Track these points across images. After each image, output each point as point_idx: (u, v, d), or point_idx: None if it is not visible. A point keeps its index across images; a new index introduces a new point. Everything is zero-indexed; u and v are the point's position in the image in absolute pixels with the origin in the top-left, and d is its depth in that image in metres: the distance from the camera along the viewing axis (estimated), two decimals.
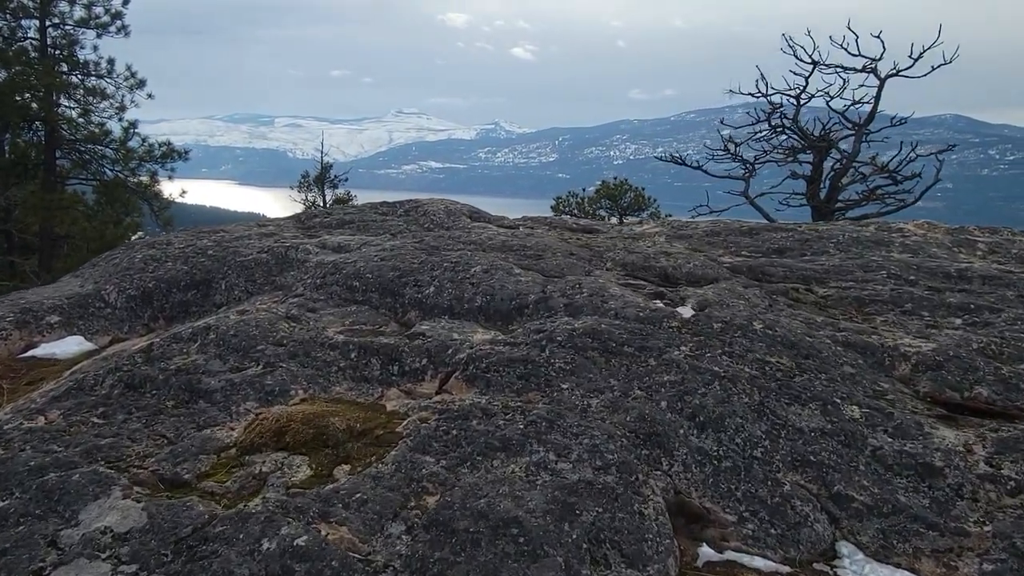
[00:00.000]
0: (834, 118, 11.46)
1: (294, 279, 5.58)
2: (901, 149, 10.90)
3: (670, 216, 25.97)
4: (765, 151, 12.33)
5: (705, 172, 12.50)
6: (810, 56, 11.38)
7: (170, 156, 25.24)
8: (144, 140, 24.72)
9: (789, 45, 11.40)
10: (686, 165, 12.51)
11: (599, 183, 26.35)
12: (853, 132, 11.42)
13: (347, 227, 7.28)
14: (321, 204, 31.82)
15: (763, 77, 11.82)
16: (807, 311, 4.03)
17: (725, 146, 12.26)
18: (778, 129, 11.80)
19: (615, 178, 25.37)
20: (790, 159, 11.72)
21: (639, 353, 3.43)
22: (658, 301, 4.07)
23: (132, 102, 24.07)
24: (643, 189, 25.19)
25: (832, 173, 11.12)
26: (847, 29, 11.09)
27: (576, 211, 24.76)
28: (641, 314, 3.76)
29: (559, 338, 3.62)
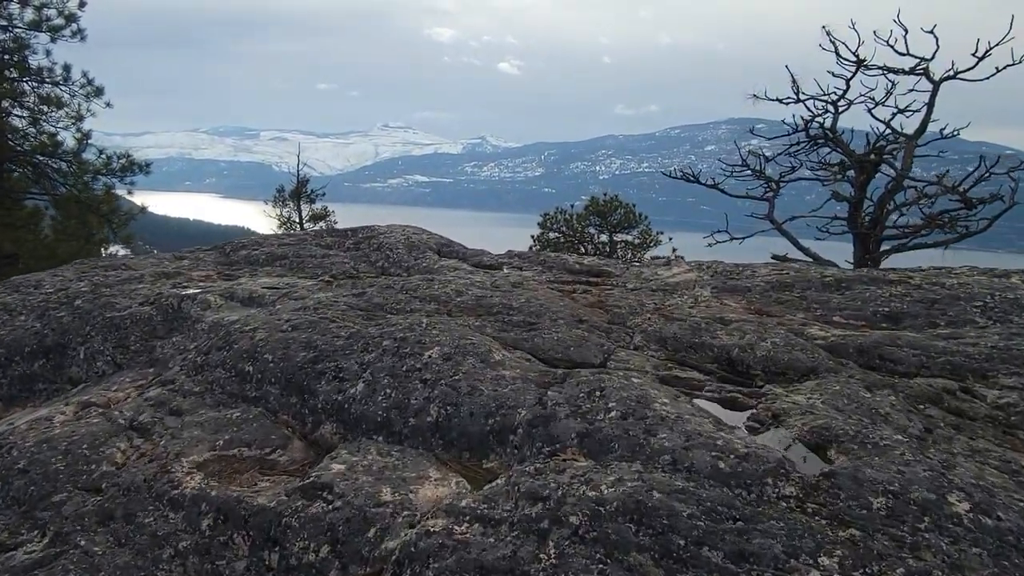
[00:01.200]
0: (880, 129, 9.75)
1: (174, 350, 3.84)
2: (981, 164, 9.19)
3: (661, 233, 24.41)
4: (793, 167, 10.62)
5: (722, 191, 10.83)
6: (854, 54, 9.62)
7: (130, 169, 23.52)
8: (101, 152, 23.06)
9: (830, 40, 9.67)
10: (700, 183, 10.86)
11: (585, 198, 25.01)
12: (900, 146, 9.74)
13: (277, 264, 5.55)
14: (297, 219, 30.19)
15: (794, 81, 10.13)
16: (993, 442, 2.35)
17: (744, 161, 10.58)
18: (819, 141, 10.05)
19: (605, 194, 24.01)
20: (839, 176, 10.00)
21: (734, 567, 1.73)
22: (739, 425, 2.38)
23: (89, 111, 22.40)
24: (634, 205, 23.83)
25: (884, 193, 9.39)
26: (894, 22, 9.39)
27: (564, 228, 23.33)
28: (722, 465, 2.06)
29: (573, 518, 1.91)
